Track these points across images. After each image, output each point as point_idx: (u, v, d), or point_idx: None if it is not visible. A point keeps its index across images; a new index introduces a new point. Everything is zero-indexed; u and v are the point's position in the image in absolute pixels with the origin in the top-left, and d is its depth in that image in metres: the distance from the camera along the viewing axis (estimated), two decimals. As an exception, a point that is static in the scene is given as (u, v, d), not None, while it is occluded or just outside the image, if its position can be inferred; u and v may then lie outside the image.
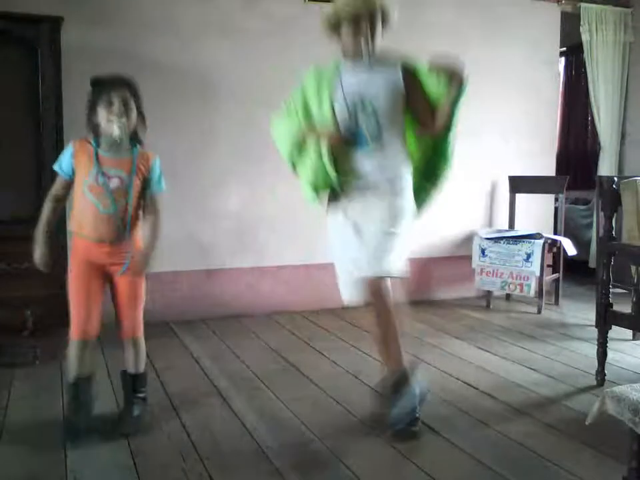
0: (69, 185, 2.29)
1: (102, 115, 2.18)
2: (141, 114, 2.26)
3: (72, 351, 2.29)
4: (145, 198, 2.32)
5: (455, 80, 2.29)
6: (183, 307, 3.93)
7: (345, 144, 2.37)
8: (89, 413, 2.33)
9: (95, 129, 2.22)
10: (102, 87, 2.20)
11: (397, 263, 2.36)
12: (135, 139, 2.28)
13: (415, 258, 4.60)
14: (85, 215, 2.24)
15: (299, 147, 2.42)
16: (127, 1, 3.76)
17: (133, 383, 2.40)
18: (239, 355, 3.26)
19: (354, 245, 2.39)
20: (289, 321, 3.88)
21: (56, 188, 2.31)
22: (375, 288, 2.31)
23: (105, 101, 2.17)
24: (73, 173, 2.25)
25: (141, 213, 2.34)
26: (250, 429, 2.35)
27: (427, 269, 4.62)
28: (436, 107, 2.39)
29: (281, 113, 2.51)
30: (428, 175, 2.54)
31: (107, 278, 2.32)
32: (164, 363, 3.06)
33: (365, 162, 2.39)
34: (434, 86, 2.39)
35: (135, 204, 2.29)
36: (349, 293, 2.44)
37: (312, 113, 2.42)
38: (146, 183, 2.30)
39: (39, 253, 2.27)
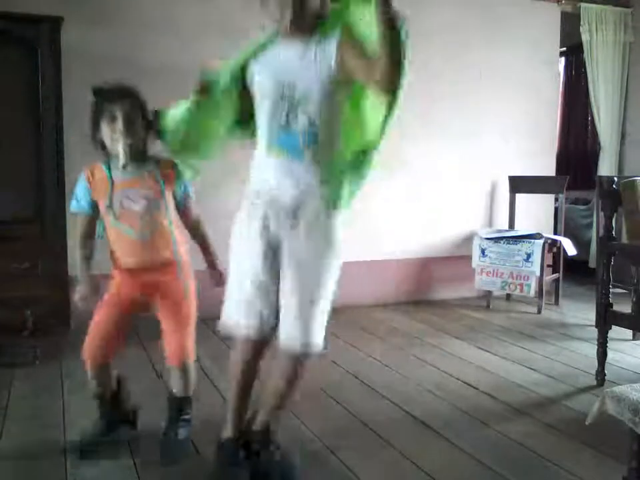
0: (93, 219, 2.09)
1: (105, 132, 1.99)
2: (149, 124, 2.03)
3: (88, 374, 2.14)
4: (179, 211, 2.13)
5: (386, 20, 1.58)
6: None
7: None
8: (104, 433, 2.17)
9: (102, 147, 2.02)
10: (103, 99, 2.00)
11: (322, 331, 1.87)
12: (147, 151, 2.07)
13: (415, 258, 4.64)
14: (119, 244, 2.06)
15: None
16: (127, 1, 3.76)
17: (179, 405, 2.22)
18: (239, 355, 3.26)
19: (266, 270, 1.86)
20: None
21: (81, 228, 2.09)
22: (300, 366, 1.88)
23: (107, 117, 1.97)
24: (95, 205, 2.05)
25: (179, 230, 2.13)
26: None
27: (427, 269, 4.63)
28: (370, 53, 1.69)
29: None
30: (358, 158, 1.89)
31: (146, 308, 2.13)
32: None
33: (290, 169, 1.83)
34: (365, 25, 1.72)
35: (170, 221, 2.08)
36: (237, 319, 1.89)
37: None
38: (175, 195, 2.10)
39: (81, 291, 2.07)
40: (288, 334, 1.83)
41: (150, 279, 2.09)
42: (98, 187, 2.03)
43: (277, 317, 1.88)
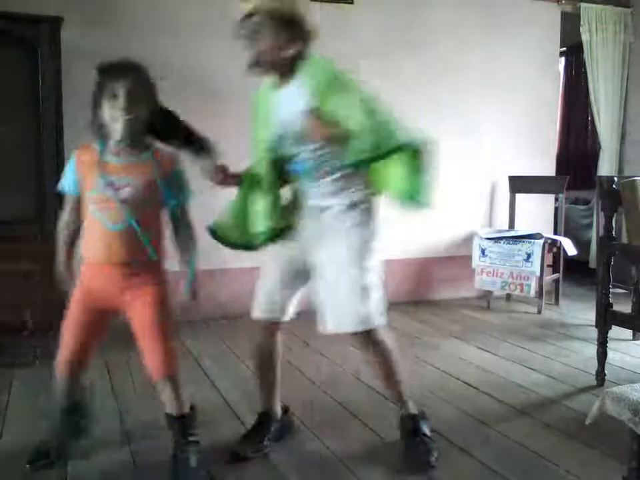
0: (79, 201, 1.97)
1: (106, 110, 1.85)
2: (154, 103, 1.94)
3: (58, 382, 2.07)
4: (169, 211, 2.00)
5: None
6: (183, 307, 3.92)
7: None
8: (69, 439, 2.12)
9: (100, 128, 1.89)
10: (105, 76, 1.88)
11: (377, 307, 2.07)
12: (148, 135, 1.94)
13: (415, 258, 4.64)
14: (92, 234, 1.92)
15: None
16: (127, 1, 3.76)
17: (180, 426, 2.01)
18: (239, 355, 3.26)
19: (286, 274, 2.21)
20: (288, 321, 3.87)
21: (67, 211, 1.99)
22: (371, 340, 2.13)
23: (108, 93, 1.83)
24: (81, 187, 1.94)
25: (163, 229, 2.01)
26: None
27: (427, 268, 4.63)
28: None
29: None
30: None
31: (117, 311, 2.00)
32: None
33: (310, 192, 2.08)
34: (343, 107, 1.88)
35: (154, 217, 1.96)
36: (260, 310, 2.33)
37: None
38: (167, 191, 1.95)
39: (60, 275, 2.03)
40: (337, 320, 2.09)
41: (121, 277, 1.93)
42: (87, 169, 1.91)
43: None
